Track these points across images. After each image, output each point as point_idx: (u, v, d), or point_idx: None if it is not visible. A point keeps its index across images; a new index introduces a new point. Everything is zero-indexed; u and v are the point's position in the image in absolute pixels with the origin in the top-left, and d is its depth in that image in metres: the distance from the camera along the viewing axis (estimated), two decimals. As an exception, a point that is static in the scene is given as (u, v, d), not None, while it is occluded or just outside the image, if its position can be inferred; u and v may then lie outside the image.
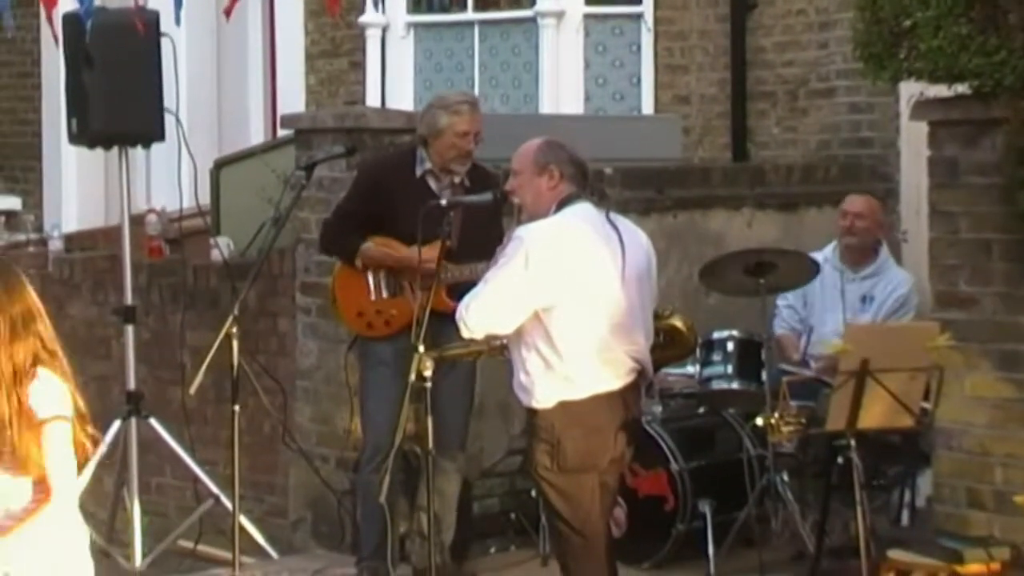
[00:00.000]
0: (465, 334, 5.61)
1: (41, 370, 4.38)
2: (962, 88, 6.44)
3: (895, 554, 6.09)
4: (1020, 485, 6.28)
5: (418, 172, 6.87)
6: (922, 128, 6.81)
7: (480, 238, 6.30)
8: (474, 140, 6.84)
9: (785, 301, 7.80)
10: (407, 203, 6.58)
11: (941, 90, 6.57)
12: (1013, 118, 6.25)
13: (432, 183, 6.86)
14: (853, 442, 6.04)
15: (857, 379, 5.91)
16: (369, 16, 11.33)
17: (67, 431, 4.40)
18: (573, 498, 5.62)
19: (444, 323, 6.01)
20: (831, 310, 7.70)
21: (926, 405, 6.22)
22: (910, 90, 7.07)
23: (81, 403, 4.45)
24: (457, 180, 6.86)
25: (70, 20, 7.22)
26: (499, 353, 5.83)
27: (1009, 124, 6.28)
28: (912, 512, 7.13)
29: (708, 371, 7.47)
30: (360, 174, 7.19)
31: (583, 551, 5.67)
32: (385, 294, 6.92)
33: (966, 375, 6.42)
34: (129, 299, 7.74)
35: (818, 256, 7.66)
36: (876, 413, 5.99)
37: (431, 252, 6.15)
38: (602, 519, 5.71)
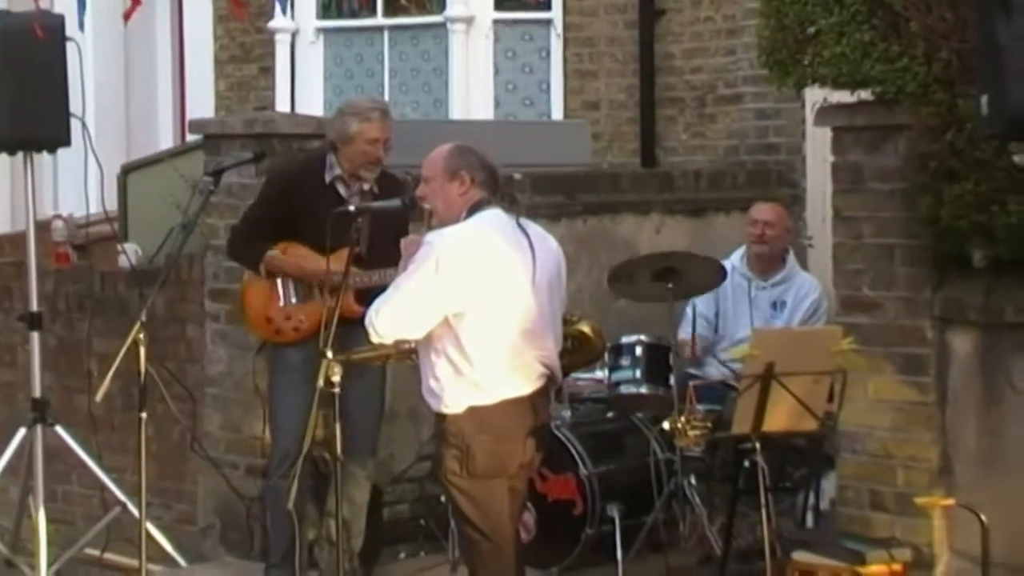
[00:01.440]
0: (374, 339, 5.61)
1: None
2: (865, 94, 6.52)
3: (799, 556, 6.15)
4: (922, 487, 6.36)
5: (327, 178, 6.87)
6: (827, 134, 6.89)
7: (389, 245, 6.29)
8: (384, 147, 6.84)
9: (697, 308, 7.84)
10: (316, 209, 6.57)
11: (845, 96, 6.65)
12: (915, 124, 6.33)
13: (341, 189, 6.86)
14: (758, 445, 6.10)
15: (762, 383, 5.96)
16: (278, 21, 11.30)
17: None
18: (482, 503, 5.63)
19: (353, 329, 6.01)
20: (743, 319, 7.75)
21: (830, 408, 6.29)
22: (815, 96, 7.15)
23: None
24: (367, 187, 6.86)
25: (-28, 25, 7.15)
26: (407, 357, 5.84)
27: (911, 130, 6.36)
28: (816, 514, 7.19)
29: (617, 376, 7.51)
30: (269, 180, 7.17)
31: (492, 556, 5.68)
32: (294, 300, 6.91)
33: (869, 378, 6.49)
34: (35, 306, 7.66)
35: (726, 263, 7.72)
36: (781, 416, 6.04)
37: (339, 260, 6.14)
38: (511, 524, 5.73)
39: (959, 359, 6.39)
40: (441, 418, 5.63)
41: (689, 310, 7.77)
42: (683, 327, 7.82)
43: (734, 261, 7.86)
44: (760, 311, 7.75)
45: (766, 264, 7.85)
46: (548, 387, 5.75)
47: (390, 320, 5.54)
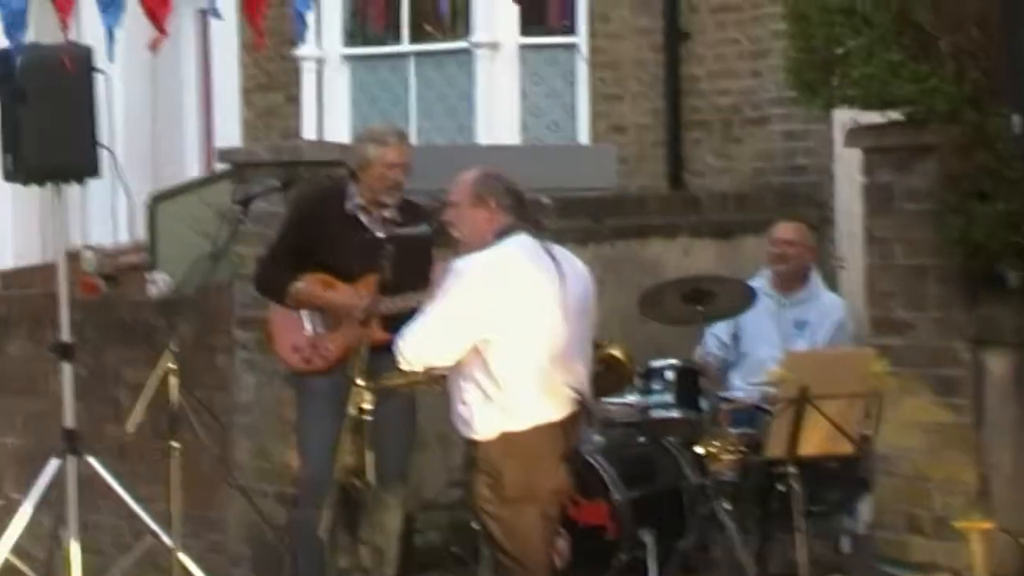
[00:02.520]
0: (404, 366, 5.59)
1: None
2: (894, 115, 6.50)
3: (836, 580, 6.12)
4: (959, 510, 6.32)
5: (348, 207, 6.85)
6: (856, 155, 6.87)
7: (413, 270, 6.29)
8: (403, 171, 6.82)
9: (712, 330, 7.81)
10: (338, 238, 6.56)
11: (874, 117, 6.63)
12: (945, 144, 6.31)
13: (363, 218, 6.83)
14: (793, 469, 6.06)
15: (796, 406, 5.93)
16: (304, 49, 11.32)
17: None
18: (514, 529, 5.61)
19: (380, 356, 5.99)
20: (766, 338, 7.71)
21: (865, 431, 6.24)
22: (843, 117, 7.13)
23: None
24: (388, 215, 6.82)
25: (1, 56, 7.17)
26: (437, 383, 5.82)
27: (941, 150, 6.34)
28: (852, 538, 7.14)
29: (648, 400, 7.47)
30: (290, 210, 7.18)
31: (526, 582, 5.66)
32: (320, 329, 6.90)
33: (903, 400, 6.45)
34: (66, 336, 7.67)
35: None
36: (815, 440, 6.01)
37: (365, 286, 6.13)
38: (543, 550, 5.70)
39: (994, 380, 6.35)
40: (472, 444, 5.61)
41: (708, 329, 7.72)
42: (697, 350, 7.77)
43: (757, 281, 7.82)
44: (783, 331, 7.71)
45: (788, 283, 7.83)
46: (579, 412, 5.72)
47: (419, 347, 5.53)
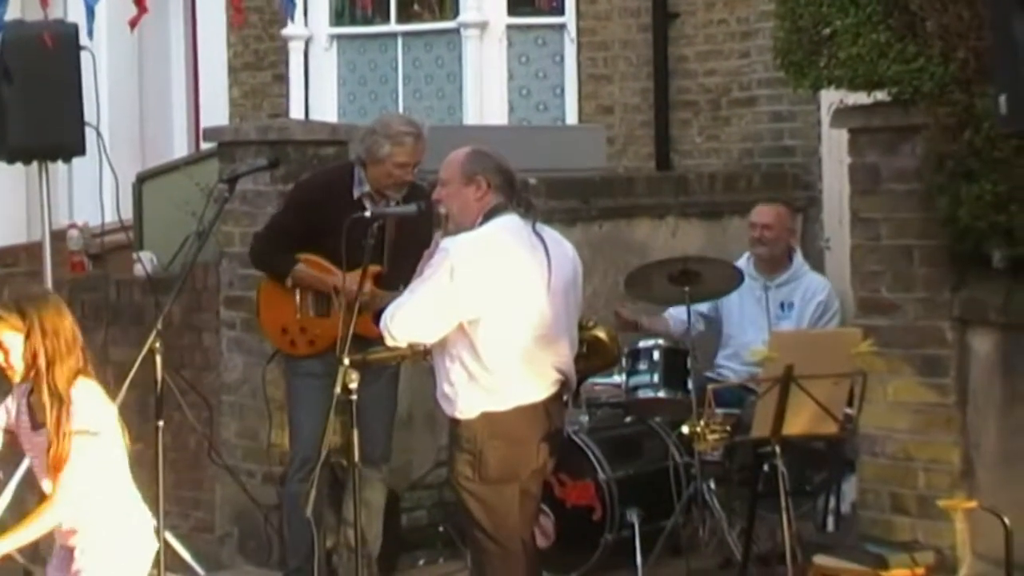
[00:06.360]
0: (389, 342, 5.61)
1: (82, 381, 4.89)
2: (881, 95, 6.49)
3: (821, 560, 6.12)
4: (943, 490, 6.33)
5: (356, 193, 6.81)
6: (843, 136, 6.87)
7: (414, 258, 6.26)
8: (412, 170, 6.77)
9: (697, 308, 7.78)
10: (341, 222, 6.53)
11: (861, 97, 6.62)
12: (932, 124, 6.30)
13: (369, 204, 6.77)
14: (778, 449, 6.07)
15: (782, 386, 5.94)
16: (292, 28, 11.28)
17: (87, 445, 4.84)
18: (493, 508, 5.63)
19: (371, 345, 5.97)
20: (751, 320, 7.72)
21: (850, 411, 6.25)
22: (831, 98, 7.12)
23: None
24: (394, 203, 6.78)
25: (-16, 34, 7.15)
26: (422, 357, 5.82)
27: (928, 130, 6.33)
28: (837, 518, 7.15)
29: (634, 380, 7.47)
30: (296, 190, 7.15)
31: (500, 561, 5.67)
32: (312, 313, 6.88)
33: (889, 381, 6.46)
34: (51, 315, 7.64)
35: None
36: (801, 420, 6.01)
37: (365, 278, 6.09)
38: (522, 529, 5.71)
39: (979, 360, 6.35)
40: (455, 423, 5.63)
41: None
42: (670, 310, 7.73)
43: (742, 264, 7.82)
44: (768, 313, 7.72)
45: (769, 265, 7.83)
46: (562, 392, 5.74)
47: (404, 325, 5.54)
